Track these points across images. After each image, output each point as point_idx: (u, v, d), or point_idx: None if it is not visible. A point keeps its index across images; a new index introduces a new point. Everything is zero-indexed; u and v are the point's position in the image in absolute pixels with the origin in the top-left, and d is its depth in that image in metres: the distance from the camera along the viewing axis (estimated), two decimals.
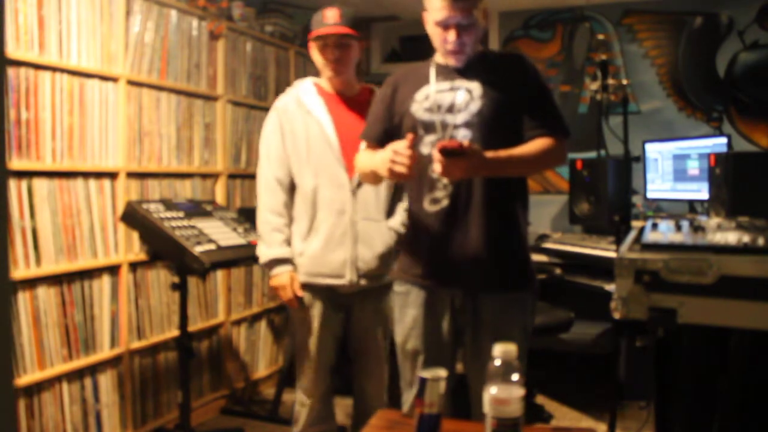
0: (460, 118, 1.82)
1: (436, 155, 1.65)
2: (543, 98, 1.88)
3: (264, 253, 2.26)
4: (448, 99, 1.85)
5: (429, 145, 1.84)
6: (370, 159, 1.89)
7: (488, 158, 1.69)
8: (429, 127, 1.85)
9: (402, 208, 2.31)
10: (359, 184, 2.22)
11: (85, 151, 2.60)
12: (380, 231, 2.25)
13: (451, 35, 1.80)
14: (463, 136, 1.81)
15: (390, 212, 2.31)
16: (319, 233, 2.22)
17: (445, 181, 1.81)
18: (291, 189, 2.28)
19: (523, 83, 1.86)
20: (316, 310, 2.26)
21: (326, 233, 2.21)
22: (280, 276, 2.23)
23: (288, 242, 2.25)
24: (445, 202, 1.83)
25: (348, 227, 2.21)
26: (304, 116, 2.25)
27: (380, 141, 1.93)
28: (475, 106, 1.82)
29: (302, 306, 2.26)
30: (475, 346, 1.87)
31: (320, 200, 2.22)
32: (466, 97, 1.83)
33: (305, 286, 2.25)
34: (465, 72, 1.86)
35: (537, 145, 1.81)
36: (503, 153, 1.74)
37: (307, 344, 2.28)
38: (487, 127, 1.81)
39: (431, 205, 1.85)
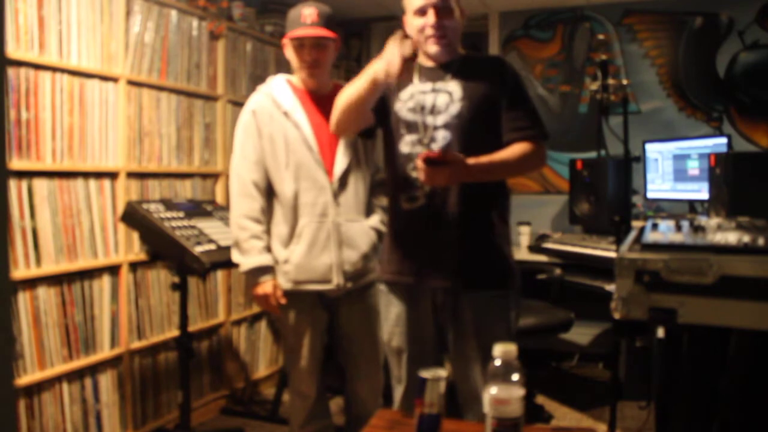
0: (440, 119, 1.84)
1: (419, 164, 1.69)
2: (521, 102, 1.88)
3: (245, 262, 2.17)
4: (430, 100, 1.86)
5: (409, 145, 1.86)
6: (354, 82, 1.84)
7: (470, 165, 1.72)
8: (411, 127, 1.87)
9: (379, 205, 2.29)
10: (340, 186, 2.19)
11: (85, 151, 2.60)
12: (363, 231, 2.22)
13: (430, 17, 1.81)
14: (443, 137, 1.82)
15: (368, 211, 2.28)
16: (302, 239, 2.16)
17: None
18: (267, 194, 2.21)
19: (502, 86, 1.86)
20: (304, 314, 2.23)
21: (309, 238, 2.15)
22: (264, 285, 2.17)
23: (268, 249, 2.19)
24: (421, 201, 1.85)
25: (331, 230, 2.16)
26: (281, 118, 2.18)
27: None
28: (455, 108, 1.83)
29: (289, 311, 2.23)
30: (457, 345, 1.88)
31: (301, 205, 2.16)
32: (447, 99, 1.84)
33: (292, 293, 2.19)
34: (446, 74, 1.87)
35: (516, 150, 1.82)
36: (484, 159, 1.76)
37: (297, 347, 2.25)
38: (466, 129, 1.82)
39: (408, 203, 1.87)
